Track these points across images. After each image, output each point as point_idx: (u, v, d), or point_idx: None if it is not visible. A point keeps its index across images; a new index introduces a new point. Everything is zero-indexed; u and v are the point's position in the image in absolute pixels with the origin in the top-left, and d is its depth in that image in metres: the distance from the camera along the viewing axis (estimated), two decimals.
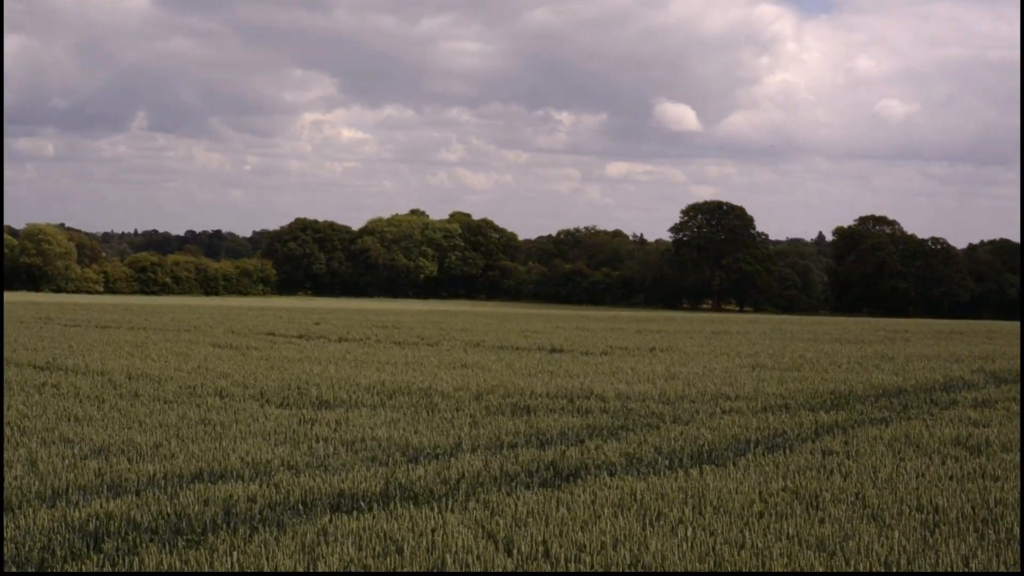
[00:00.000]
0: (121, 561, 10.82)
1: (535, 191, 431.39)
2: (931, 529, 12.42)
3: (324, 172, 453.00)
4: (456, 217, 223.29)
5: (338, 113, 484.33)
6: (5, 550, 11.16)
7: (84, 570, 10.64)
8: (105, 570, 10.69)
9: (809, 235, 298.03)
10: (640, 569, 10.71)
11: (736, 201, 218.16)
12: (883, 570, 10.78)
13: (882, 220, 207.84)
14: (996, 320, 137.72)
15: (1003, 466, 16.36)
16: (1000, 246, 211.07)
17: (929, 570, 10.72)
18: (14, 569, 10.82)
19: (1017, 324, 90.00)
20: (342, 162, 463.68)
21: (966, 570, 10.15)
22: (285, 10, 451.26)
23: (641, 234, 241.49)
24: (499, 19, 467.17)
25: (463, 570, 10.69)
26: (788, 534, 12.03)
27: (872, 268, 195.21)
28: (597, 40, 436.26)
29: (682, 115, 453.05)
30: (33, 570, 10.73)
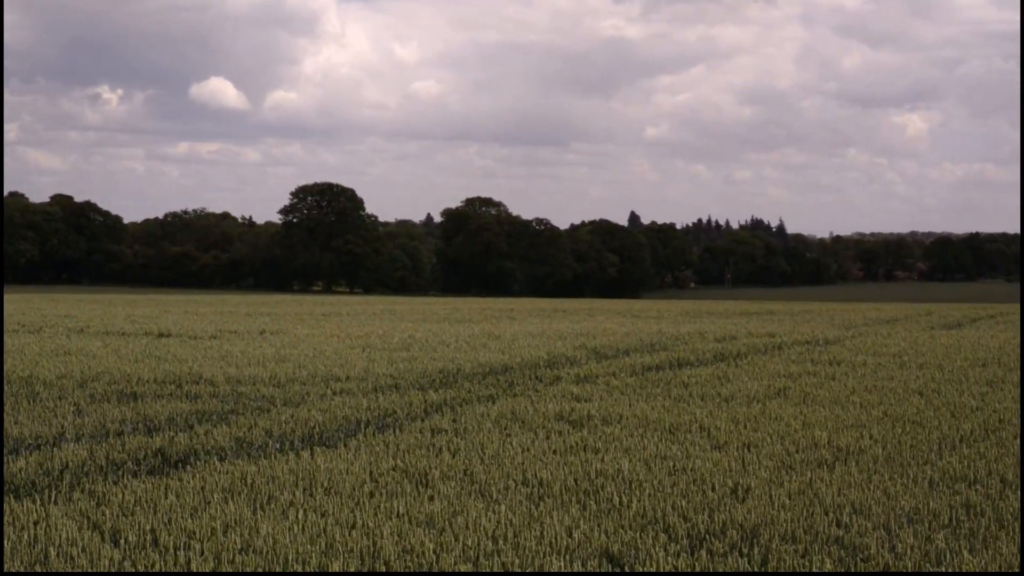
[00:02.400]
0: None
1: (108, 171, 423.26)
2: (536, 502, 12.80)
3: None
4: (57, 200, 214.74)
5: None
6: None
7: None
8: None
9: (418, 216, 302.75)
10: (251, 553, 10.61)
11: (307, 180, 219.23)
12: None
13: (488, 202, 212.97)
14: (597, 298, 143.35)
15: (604, 439, 17.03)
16: (600, 227, 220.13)
17: (535, 543, 11.04)
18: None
19: (611, 300, 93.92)
20: None
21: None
22: None
23: (250, 216, 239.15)
24: None
25: (68, 563, 10.32)
26: (398, 512, 12.17)
27: (479, 248, 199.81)
28: (126, 14, 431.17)
29: (225, 92, 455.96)
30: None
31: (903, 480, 13.97)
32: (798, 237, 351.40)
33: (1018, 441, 16.94)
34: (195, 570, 10.25)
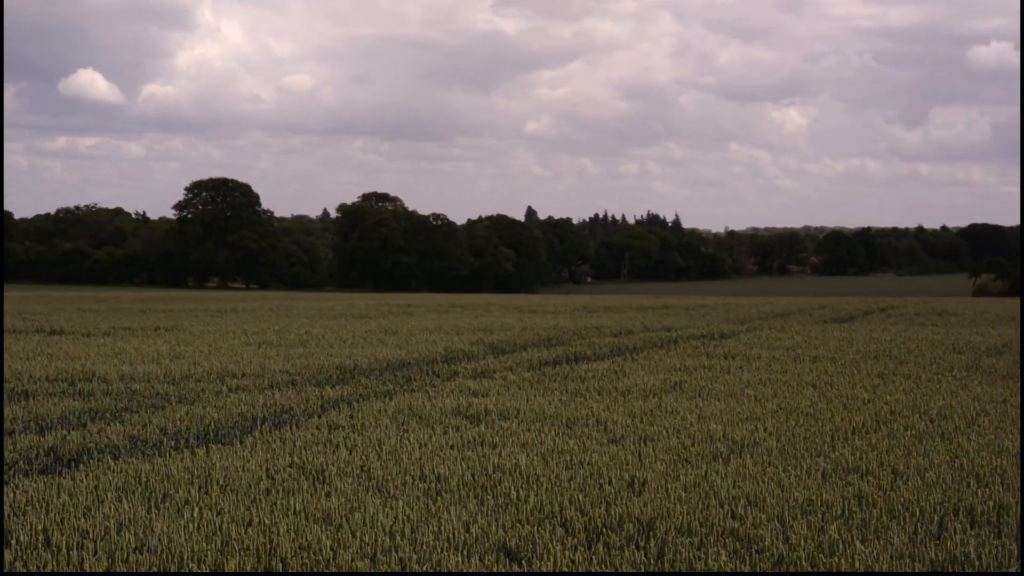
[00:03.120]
0: None
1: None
2: (433, 497, 12.80)
3: None
4: None
5: None
6: None
7: None
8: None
9: (314, 212, 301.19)
10: (145, 552, 10.50)
11: (192, 175, 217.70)
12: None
13: (384, 197, 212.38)
14: (494, 293, 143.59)
15: (501, 433, 17.07)
16: (497, 222, 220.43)
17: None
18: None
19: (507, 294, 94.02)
20: None
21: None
22: None
23: (144, 211, 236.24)
24: None
25: None
26: (295, 509, 12.10)
27: (376, 244, 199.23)
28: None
29: (95, 85, 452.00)
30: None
31: (797, 472, 14.16)
32: (693, 232, 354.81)
33: (909, 432, 17.25)
34: (88, 570, 10.12)
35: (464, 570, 10.23)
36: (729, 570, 10.19)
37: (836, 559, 10.43)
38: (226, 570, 10.15)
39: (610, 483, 13.48)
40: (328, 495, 12.83)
